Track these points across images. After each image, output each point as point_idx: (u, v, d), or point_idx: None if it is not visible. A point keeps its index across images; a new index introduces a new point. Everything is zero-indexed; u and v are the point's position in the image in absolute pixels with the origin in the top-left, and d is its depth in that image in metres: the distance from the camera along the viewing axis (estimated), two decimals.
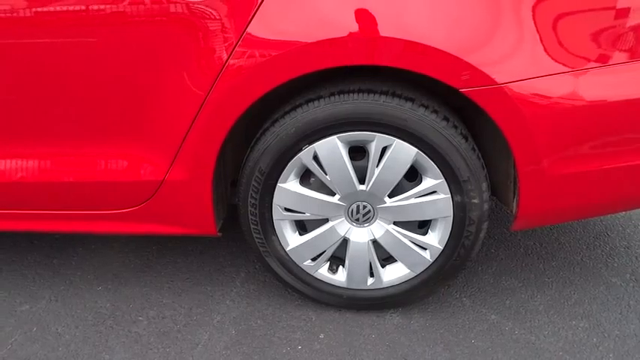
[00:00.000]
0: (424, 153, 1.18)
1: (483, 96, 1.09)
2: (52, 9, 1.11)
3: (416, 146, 1.17)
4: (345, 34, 1.07)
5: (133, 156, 1.27)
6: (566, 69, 1.08)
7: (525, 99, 1.09)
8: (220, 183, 1.35)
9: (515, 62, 1.08)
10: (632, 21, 1.08)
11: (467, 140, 1.18)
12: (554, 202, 1.22)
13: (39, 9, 1.11)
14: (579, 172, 1.17)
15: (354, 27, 1.07)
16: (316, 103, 1.17)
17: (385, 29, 1.06)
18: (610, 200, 1.25)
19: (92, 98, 1.20)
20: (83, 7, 1.10)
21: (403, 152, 1.18)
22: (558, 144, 1.14)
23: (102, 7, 1.10)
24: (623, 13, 1.07)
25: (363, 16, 1.07)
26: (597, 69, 1.09)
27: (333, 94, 1.17)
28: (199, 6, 1.09)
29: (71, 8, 1.11)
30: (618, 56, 1.09)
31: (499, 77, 1.07)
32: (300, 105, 1.19)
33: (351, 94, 1.16)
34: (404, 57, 1.08)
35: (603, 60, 1.09)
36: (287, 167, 1.23)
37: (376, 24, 1.06)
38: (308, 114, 1.18)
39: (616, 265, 1.60)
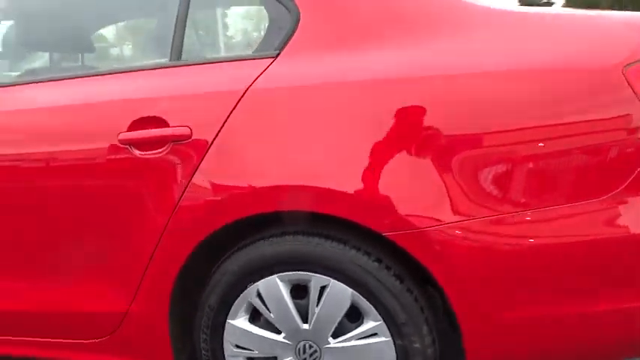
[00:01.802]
0: (360, 294, 1.18)
1: (407, 240, 1.11)
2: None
3: (351, 287, 1.19)
4: (272, 184, 1.17)
5: (102, 291, 1.38)
6: (489, 214, 1.09)
7: (449, 242, 1.09)
8: (184, 317, 1.41)
9: (438, 207, 1.10)
10: (553, 166, 1.08)
11: (402, 282, 1.18)
12: (501, 349, 1.15)
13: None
14: (523, 317, 1.11)
15: (282, 177, 1.17)
16: (258, 243, 1.25)
17: (312, 179, 1.16)
18: (564, 349, 1.15)
19: (64, 241, 1.36)
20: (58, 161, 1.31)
21: (339, 293, 1.20)
22: (491, 289, 1.10)
23: (70, 159, 1.31)
24: (544, 157, 1.08)
25: (290, 167, 1.17)
26: (520, 214, 1.08)
27: (273, 236, 1.24)
28: (152, 156, 1.25)
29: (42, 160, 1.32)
30: (540, 201, 1.08)
31: (421, 222, 1.10)
32: (245, 245, 1.27)
33: (289, 236, 1.23)
34: (334, 205, 1.15)
35: (525, 205, 1.08)
36: (235, 304, 1.28)
37: (303, 174, 1.16)
38: (251, 254, 1.25)
39: None
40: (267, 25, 1.27)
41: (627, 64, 1.05)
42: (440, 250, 1.10)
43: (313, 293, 1.22)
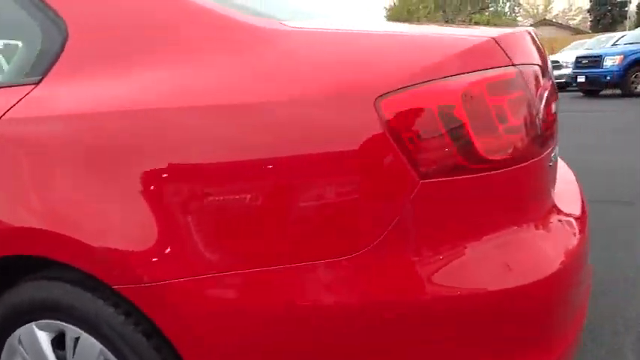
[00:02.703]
0: (109, 350, 1.05)
1: (135, 294, 0.97)
2: None
3: (100, 341, 1.06)
4: (11, 225, 1.06)
5: None
6: (215, 271, 0.92)
7: (178, 300, 0.94)
8: None
9: (168, 261, 0.95)
10: (284, 218, 0.89)
11: (149, 339, 1.03)
12: None
13: None
14: None
15: (17, 219, 1.05)
16: (19, 287, 1.14)
17: (44, 222, 1.03)
18: None
19: None
20: None
21: (89, 347, 1.07)
22: (227, 353, 0.95)
23: None
24: (273, 206, 0.90)
25: (26, 208, 1.05)
26: (234, 273, 0.92)
27: (30, 280, 1.13)
28: None
29: None
30: (271, 259, 0.90)
31: (148, 275, 0.95)
32: (10, 288, 1.17)
33: (43, 281, 1.11)
34: (64, 251, 1.02)
35: (246, 263, 0.91)
36: (4, 351, 1.18)
37: (37, 216, 1.04)
38: (13, 298, 1.15)
39: None
40: (40, 45, 1.16)
41: (382, 95, 0.86)
42: (170, 308, 0.95)
43: (69, 345, 1.10)
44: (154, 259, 0.95)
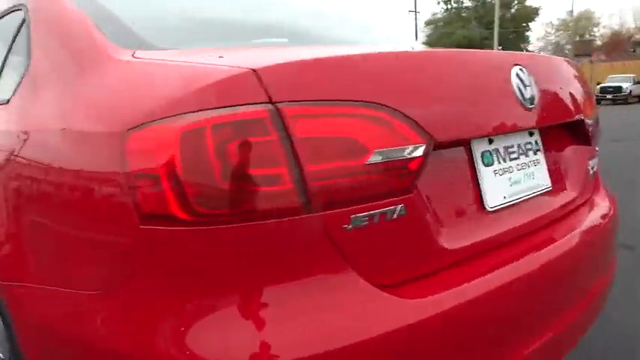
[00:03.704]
0: (7, 335, 1.22)
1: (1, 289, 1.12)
2: None
3: (4, 326, 1.23)
4: None
5: None
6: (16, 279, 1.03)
7: (16, 301, 1.07)
8: None
9: (10, 264, 1.08)
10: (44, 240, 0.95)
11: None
12: None
13: None
14: None
15: None
16: None
17: None
18: None
19: None
20: None
21: (1, 328, 1.26)
22: None
23: None
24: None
25: None
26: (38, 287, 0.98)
27: None
28: None
29: None
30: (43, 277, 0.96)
31: (3, 274, 1.09)
32: None
33: None
34: None
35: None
36: None
37: None
38: None
39: None
40: (19, 72, 1.36)
41: (132, 127, 0.79)
42: (12, 308, 1.08)
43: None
44: (6, 260, 1.10)
